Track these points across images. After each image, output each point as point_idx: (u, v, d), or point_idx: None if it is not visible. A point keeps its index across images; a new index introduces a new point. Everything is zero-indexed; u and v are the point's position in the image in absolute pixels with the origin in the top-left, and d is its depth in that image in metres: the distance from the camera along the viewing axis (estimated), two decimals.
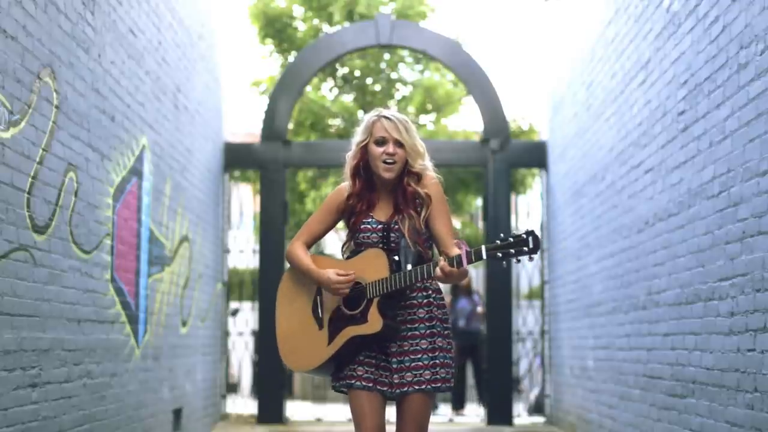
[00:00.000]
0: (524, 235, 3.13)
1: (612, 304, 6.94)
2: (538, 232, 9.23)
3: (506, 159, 9.58)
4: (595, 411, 7.46)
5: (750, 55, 4.30)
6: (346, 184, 3.56)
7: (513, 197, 10.84)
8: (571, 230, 8.65)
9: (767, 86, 4.11)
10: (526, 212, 11.98)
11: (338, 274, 3.40)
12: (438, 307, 3.46)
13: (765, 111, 4.13)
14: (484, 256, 3.18)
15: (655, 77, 5.84)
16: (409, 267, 3.34)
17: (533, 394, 11.62)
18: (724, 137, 4.62)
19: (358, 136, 3.52)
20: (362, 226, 3.46)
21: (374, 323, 3.33)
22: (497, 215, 9.47)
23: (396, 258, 3.37)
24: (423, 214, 3.43)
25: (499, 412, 9.37)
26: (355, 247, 3.51)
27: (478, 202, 14.05)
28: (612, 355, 6.90)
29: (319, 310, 3.49)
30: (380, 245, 3.42)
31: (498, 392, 9.40)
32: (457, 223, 15.04)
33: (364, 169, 3.50)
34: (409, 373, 3.36)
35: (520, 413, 10.24)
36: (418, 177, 3.46)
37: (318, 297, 3.50)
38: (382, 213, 3.49)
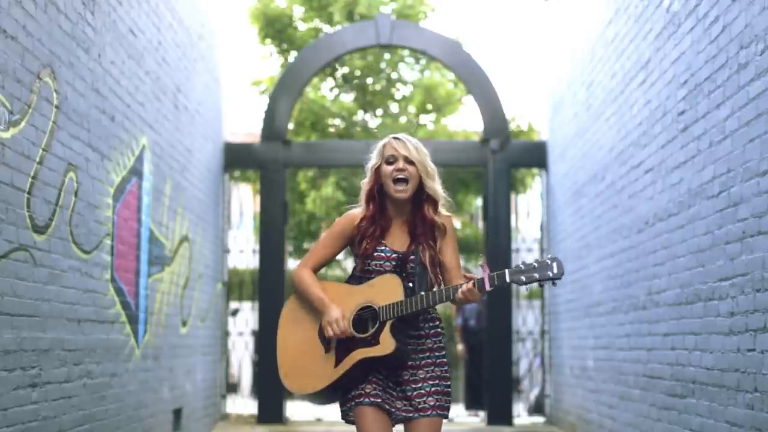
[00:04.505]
0: (549, 261, 3.16)
1: (612, 304, 6.94)
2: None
3: (506, 159, 9.58)
4: (595, 411, 7.46)
5: (750, 55, 4.30)
6: (356, 210, 3.54)
7: (513, 197, 10.84)
8: (571, 230, 8.65)
9: (767, 86, 4.11)
10: (526, 212, 11.98)
11: (342, 317, 3.37)
12: (442, 335, 3.51)
13: (765, 111, 4.13)
14: (508, 280, 3.20)
15: (655, 77, 5.84)
16: (422, 293, 3.35)
17: (533, 394, 11.62)
18: (724, 137, 4.62)
19: (371, 160, 3.52)
20: (375, 254, 3.44)
21: (387, 345, 3.31)
22: (497, 215, 9.46)
23: (410, 284, 3.37)
24: (438, 244, 3.45)
25: (499, 412, 9.36)
26: (362, 274, 3.47)
27: (478, 202, 14.04)
28: (612, 355, 6.90)
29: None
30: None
31: (498, 392, 9.40)
32: (457, 223, 15.03)
33: (378, 193, 3.49)
34: (431, 398, 3.38)
35: (520, 413, 10.24)
36: (435, 205, 3.46)
37: None
38: (396, 242, 3.47)
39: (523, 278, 3.18)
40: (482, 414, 10.19)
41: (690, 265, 5.12)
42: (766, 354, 4.06)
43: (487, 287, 3.21)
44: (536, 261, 3.20)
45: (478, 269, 3.36)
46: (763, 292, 4.10)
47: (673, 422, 5.35)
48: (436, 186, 3.47)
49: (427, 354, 3.44)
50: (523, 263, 3.22)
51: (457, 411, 11.37)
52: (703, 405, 4.85)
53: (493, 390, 9.44)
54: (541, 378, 10.17)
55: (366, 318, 3.38)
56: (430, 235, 3.44)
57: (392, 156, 3.45)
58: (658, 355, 5.67)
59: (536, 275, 3.17)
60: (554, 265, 3.16)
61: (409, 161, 3.44)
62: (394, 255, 3.42)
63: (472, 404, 11.30)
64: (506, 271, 3.21)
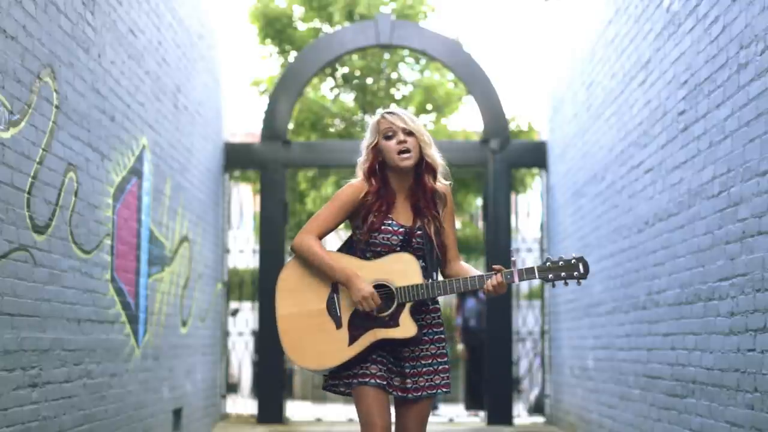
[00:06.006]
0: (574, 260, 3.32)
1: (612, 304, 6.94)
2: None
3: (506, 159, 9.58)
4: (595, 411, 7.46)
5: (750, 55, 4.30)
6: (358, 181, 3.47)
7: (513, 197, 10.84)
8: (571, 230, 8.65)
9: (767, 86, 4.11)
10: (526, 212, 11.97)
11: (374, 294, 3.32)
12: (438, 311, 3.49)
13: (765, 111, 4.13)
14: (537, 277, 3.32)
15: (655, 77, 5.84)
16: (434, 274, 3.38)
17: (533, 394, 11.61)
18: (724, 137, 4.62)
19: (366, 139, 3.49)
20: (383, 227, 3.41)
21: (408, 328, 3.32)
22: (497, 215, 9.46)
23: (423, 264, 3.38)
24: (442, 213, 3.47)
25: (499, 412, 9.36)
26: (365, 246, 3.43)
27: (478, 202, 14.05)
28: (612, 355, 6.90)
29: (337, 308, 3.38)
30: (398, 248, 3.39)
31: (498, 392, 9.40)
32: (457, 223, 15.03)
33: (379, 169, 3.47)
34: (422, 378, 3.39)
35: (520, 413, 10.23)
36: (435, 173, 3.46)
37: (335, 295, 3.40)
38: (401, 216, 3.45)
39: (551, 276, 3.33)
40: (482, 414, 10.19)
41: (690, 265, 5.12)
42: (766, 354, 4.06)
43: (516, 281, 3.30)
44: (562, 260, 3.33)
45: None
46: (763, 292, 4.10)
47: (673, 422, 5.35)
48: (434, 153, 3.47)
49: (425, 331, 3.43)
50: (549, 260, 3.35)
51: (457, 411, 11.37)
52: (703, 405, 4.85)
53: (493, 390, 9.44)
54: (541, 378, 10.17)
55: (381, 296, 3.34)
56: (433, 206, 3.45)
57: (390, 130, 3.43)
58: (658, 355, 5.67)
59: (563, 274, 3.32)
60: (580, 265, 3.32)
61: (407, 132, 3.43)
62: (401, 229, 3.41)
63: (472, 404, 11.30)
64: (535, 267, 3.33)
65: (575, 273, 3.31)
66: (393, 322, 3.33)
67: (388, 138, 3.43)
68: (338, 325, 3.37)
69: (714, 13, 4.79)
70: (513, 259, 3.39)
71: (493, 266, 3.37)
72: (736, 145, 4.46)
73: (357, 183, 3.48)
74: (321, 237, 3.46)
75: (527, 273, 3.30)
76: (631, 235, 6.40)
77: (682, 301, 5.23)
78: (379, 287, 3.36)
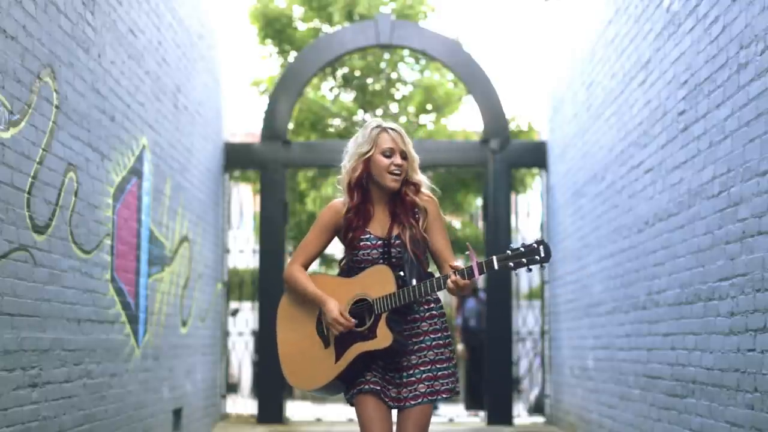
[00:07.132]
0: (535, 245, 3.20)
1: (612, 304, 6.94)
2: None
3: (506, 159, 9.58)
4: (595, 411, 7.46)
5: (750, 55, 4.30)
6: (338, 201, 3.55)
7: (513, 197, 10.84)
8: (571, 230, 8.65)
9: (767, 86, 4.11)
10: (526, 212, 11.97)
11: (342, 315, 3.38)
12: (440, 317, 3.49)
13: (765, 111, 4.13)
14: (496, 267, 3.22)
15: (655, 77, 5.84)
16: (414, 281, 3.36)
17: (533, 394, 11.62)
18: (724, 137, 4.62)
19: (361, 147, 3.49)
20: (361, 243, 3.45)
21: (384, 338, 3.34)
22: (497, 215, 9.47)
23: (401, 273, 3.38)
24: (421, 223, 3.46)
25: (499, 412, 9.37)
26: (353, 264, 3.49)
27: (478, 202, 14.04)
28: (612, 355, 6.90)
29: (324, 329, 3.47)
30: (381, 261, 3.42)
31: (498, 392, 9.40)
32: (456, 223, 15.03)
33: (364, 181, 3.50)
34: (421, 385, 3.40)
35: (520, 413, 10.23)
36: (416, 188, 3.48)
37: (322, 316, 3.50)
38: (378, 227, 3.48)
39: (511, 264, 3.22)
40: (482, 414, 10.19)
41: (690, 265, 5.12)
42: (766, 354, 4.06)
43: (476, 275, 3.22)
44: (523, 245, 3.22)
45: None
46: (763, 292, 4.10)
47: (673, 422, 5.35)
48: (421, 177, 3.52)
49: (422, 338, 3.44)
50: (510, 248, 3.24)
51: (457, 411, 11.37)
52: (703, 405, 4.86)
53: (493, 390, 9.44)
54: (541, 378, 10.17)
55: (362, 310, 3.40)
56: (411, 214, 3.46)
57: (390, 150, 3.45)
58: (658, 355, 5.67)
59: (524, 260, 3.20)
60: (541, 248, 3.20)
61: (404, 156, 3.47)
62: (379, 242, 3.44)
63: (472, 404, 11.30)
64: (494, 257, 3.24)
65: (537, 257, 3.19)
66: (372, 334, 3.37)
67: (385, 155, 3.45)
68: (326, 344, 3.46)
69: (714, 13, 4.79)
70: (467, 252, 3.33)
71: (451, 265, 3.35)
72: (736, 145, 4.46)
73: (336, 203, 3.54)
74: (308, 264, 3.58)
75: (487, 265, 3.23)
76: (631, 235, 6.40)
77: (682, 301, 5.23)
78: (360, 301, 3.42)
